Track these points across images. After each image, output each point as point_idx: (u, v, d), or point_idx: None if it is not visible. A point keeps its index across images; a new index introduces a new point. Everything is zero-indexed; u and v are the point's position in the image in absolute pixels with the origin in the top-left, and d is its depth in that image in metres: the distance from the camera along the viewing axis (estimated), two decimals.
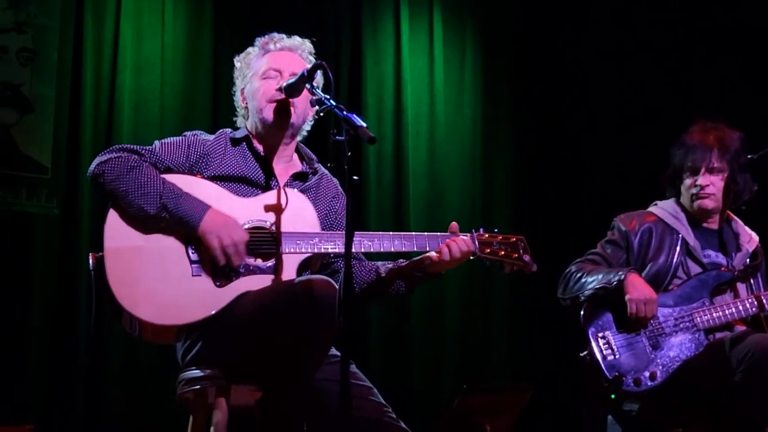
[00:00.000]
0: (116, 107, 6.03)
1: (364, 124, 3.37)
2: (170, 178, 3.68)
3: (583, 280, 4.68)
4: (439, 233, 3.83)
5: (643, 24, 7.29)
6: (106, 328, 5.58)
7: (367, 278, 3.95)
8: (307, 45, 4.02)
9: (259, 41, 4.02)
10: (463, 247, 3.79)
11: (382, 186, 6.85)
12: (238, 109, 4.06)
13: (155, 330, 3.57)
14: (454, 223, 3.85)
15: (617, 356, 4.49)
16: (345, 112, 3.43)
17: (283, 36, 4.00)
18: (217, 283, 3.58)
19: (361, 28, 6.93)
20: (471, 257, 3.85)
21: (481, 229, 3.90)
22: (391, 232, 3.82)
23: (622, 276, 4.54)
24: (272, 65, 3.89)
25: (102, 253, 3.56)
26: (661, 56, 7.22)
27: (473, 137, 7.22)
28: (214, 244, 3.55)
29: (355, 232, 3.65)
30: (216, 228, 3.57)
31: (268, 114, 3.85)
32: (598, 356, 4.49)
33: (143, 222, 3.59)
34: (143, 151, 3.72)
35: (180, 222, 3.58)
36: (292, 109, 3.84)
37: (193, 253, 3.60)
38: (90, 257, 3.64)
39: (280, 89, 3.79)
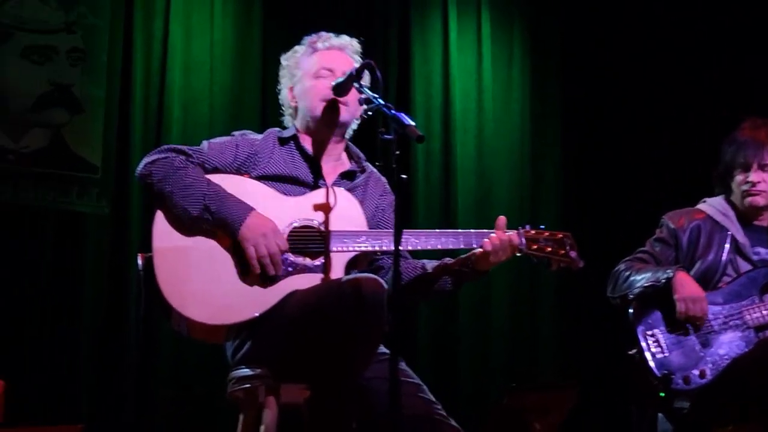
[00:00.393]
0: (165, 106, 6.06)
1: (413, 123, 3.36)
2: (217, 178, 3.71)
3: (632, 278, 4.66)
4: (486, 230, 3.82)
5: (695, 17, 7.21)
6: (155, 327, 5.60)
7: (413, 275, 3.95)
8: (354, 44, 4.02)
9: (307, 40, 4.03)
10: (507, 242, 3.78)
11: (430, 183, 6.85)
12: (285, 108, 4.07)
13: (205, 329, 3.59)
14: (501, 217, 3.84)
15: (666, 354, 4.46)
16: (393, 111, 3.43)
17: (331, 35, 4.00)
18: (265, 283, 3.60)
19: (409, 26, 6.92)
20: (518, 254, 3.83)
21: (528, 226, 3.89)
22: (437, 230, 3.82)
23: (671, 274, 4.52)
24: (324, 64, 3.90)
25: (151, 253, 3.59)
26: (713, 52, 7.14)
27: (521, 133, 7.19)
28: (250, 254, 3.57)
29: (403, 231, 3.65)
30: (254, 236, 3.58)
31: (321, 113, 3.86)
32: (648, 354, 4.47)
33: (187, 223, 3.62)
34: (191, 152, 3.75)
35: (222, 225, 3.61)
36: (344, 108, 3.86)
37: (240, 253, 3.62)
38: (139, 257, 3.67)
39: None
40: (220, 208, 3.60)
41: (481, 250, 3.78)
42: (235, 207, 3.62)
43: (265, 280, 3.60)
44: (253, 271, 3.58)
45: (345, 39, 4.02)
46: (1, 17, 5.78)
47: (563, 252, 3.85)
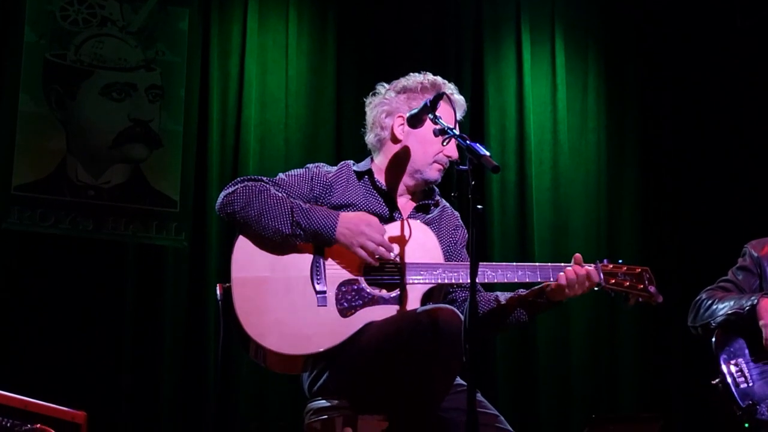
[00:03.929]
0: (242, 141, 6.13)
1: (488, 153, 3.36)
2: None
3: (714, 306, 4.59)
4: (563, 264, 3.79)
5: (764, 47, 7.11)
6: (234, 359, 5.64)
7: (487, 308, 3.92)
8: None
9: (432, 79, 3.95)
10: (585, 277, 3.75)
11: (505, 214, 6.81)
12: (373, 128, 3.98)
13: (282, 360, 3.60)
14: (577, 254, 3.81)
15: (750, 384, 4.39)
16: (468, 141, 3.43)
17: (453, 86, 3.96)
18: (342, 313, 3.60)
19: (482, 56, 6.91)
20: (595, 288, 3.80)
21: (606, 260, 3.85)
22: (514, 263, 3.80)
23: (755, 301, 4.44)
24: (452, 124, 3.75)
25: (229, 283, 3.62)
26: None
27: (598, 164, 7.11)
28: (361, 254, 3.62)
29: (479, 263, 3.63)
30: (354, 235, 3.62)
31: (435, 174, 3.90)
32: (731, 384, 4.39)
33: (279, 243, 3.64)
34: (266, 180, 3.78)
35: (315, 235, 3.63)
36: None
37: (318, 282, 3.63)
38: (218, 288, 3.70)
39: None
40: (309, 220, 3.62)
41: (556, 282, 3.76)
42: (323, 216, 3.64)
43: (351, 305, 3.61)
44: (372, 265, 3.64)
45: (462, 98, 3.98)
46: (81, 56, 5.91)
47: (642, 286, 3.80)
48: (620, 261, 3.87)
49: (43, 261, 5.72)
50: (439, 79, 3.96)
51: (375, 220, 3.68)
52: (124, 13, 6.04)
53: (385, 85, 4.03)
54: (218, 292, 3.69)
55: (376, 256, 3.63)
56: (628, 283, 3.80)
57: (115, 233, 5.82)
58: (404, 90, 3.95)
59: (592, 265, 3.81)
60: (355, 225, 3.64)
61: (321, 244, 3.65)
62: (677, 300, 6.05)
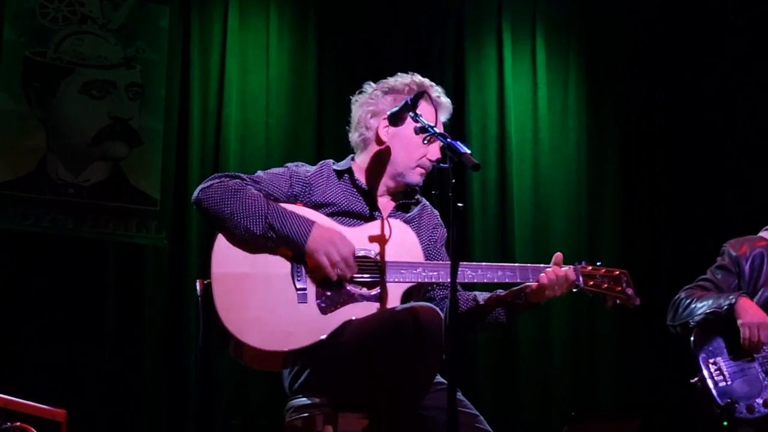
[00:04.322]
0: (222, 140, 6.12)
1: (469, 151, 3.36)
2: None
3: (692, 306, 4.61)
4: (543, 265, 3.81)
5: (757, 45, 7.13)
6: (215, 356, 5.64)
7: (465, 307, 3.93)
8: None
9: (418, 79, 3.94)
10: (564, 278, 3.77)
11: (486, 213, 6.82)
12: (357, 128, 3.98)
13: (262, 356, 3.59)
14: (558, 254, 3.83)
15: (729, 382, 4.41)
16: (449, 140, 3.44)
17: (440, 89, 3.97)
18: (323, 311, 3.60)
19: (464, 54, 6.91)
20: (574, 289, 3.83)
21: (584, 262, 3.89)
22: (494, 263, 3.82)
23: (733, 300, 4.46)
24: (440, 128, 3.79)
25: (209, 279, 3.61)
26: None
27: (578, 162, 7.12)
28: (324, 262, 3.57)
29: (460, 263, 3.64)
30: (323, 245, 3.59)
31: (417, 178, 3.90)
32: (710, 383, 4.42)
33: (250, 243, 3.63)
34: (245, 177, 3.77)
35: (286, 241, 3.61)
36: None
37: (298, 279, 3.63)
38: (197, 284, 3.70)
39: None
40: (283, 224, 3.61)
41: (536, 283, 3.77)
42: (297, 222, 3.63)
43: (332, 301, 3.60)
44: (330, 280, 3.59)
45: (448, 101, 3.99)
46: (61, 53, 5.89)
47: (620, 289, 3.85)
48: (599, 263, 3.91)
49: (22, 260, 5.70)
50: (426, 81, 3.95)
51: (348, 239, 3.65)
52: (104, 11, 6.02)
53: (372, 84, 4.02)
54: (198, 287, 3.68)
55: (336, 271, 3.59)
56: (606, 285, 3.85)
57: (95, 232, 5.80)
58: (391, 91, 3.95)
59: (571, 266, 3.83)
60: (328, 236, 3.62)
61: (291, 249, 3.63)
62: (657, 298, 6.07)
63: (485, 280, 3.78)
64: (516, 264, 3.84)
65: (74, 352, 5.61)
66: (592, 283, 3.83)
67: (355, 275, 3.65)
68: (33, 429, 3.94)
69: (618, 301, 3.85)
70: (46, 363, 5.52)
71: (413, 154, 3.87)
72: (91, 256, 5.80)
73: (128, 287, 5.82)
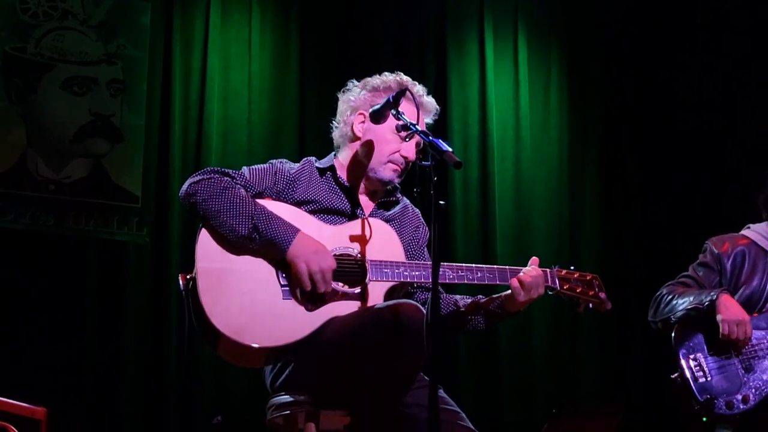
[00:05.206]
0: (204, 136, 6.10)
1: (450, 149, 3.37)
2: (260, 202, 3.72)
3: (674, 302, 4.64)
4: (520, 267, 3.86)
5: (739, 42, 7.15)
6: (197, 353, 5.62)
7: (446, 310, 3.96)
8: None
9: (399, 78, 3.95)
10: (540, 280, 3.80)
11: (468, 211, 6.82)
12: (339, 124, 4.01)
13: (244, 352, 3.57)
14: (534, 257, 3.88)
15: (709, 378, 4.44)
16: (431, 137, 3.44)
17: (422, 88, 3.97)
18: (306, 308, 3.60)
19: (445, 52, 6.92)
20: (550, 292, 3.88)
21: (557, 266, 3.94)
22: (474, 265, 3.83)
23: (714, 296, 4.49)
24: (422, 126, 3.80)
25: (192, 274, 3.60)
26: (759, 77, 7.06)
27: (560, 160, 7.14)
28: (302, 269, 3.56)
29: (441, 263, 3.65)
30: (305, 253, 3.58)
31: (388, 174, 3.88)
32: (690, 378, 4.44)
33: (234, 243, 3.62)
34: (234, 174, 3.77)
35: (270, 244, 3.60)
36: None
37: (283, 277, 3.63)
38: (180, 278, 3.68)
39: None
40: (268, 227, 3.60)
41: (509, 292, 3.80)
42: (283, 227, 3.62)
43: (314, 299, 3.60)
44: (304, 288, 3.58)
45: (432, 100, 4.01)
46: (42, 49, 5.86)
47: (592, 293, 3.92)
48: (572, 267, 3.97)
49: (2, 256, 5.67)
50: (409, 80, 3.96)
51: (331, 256, 3.64)
52: (86, 7, 5.99)
53: (356, 82, 4.04)
54: (180, 282, 3.66)
55: (311, 281, 3.57)
56: (580, 289, 3.92)
57: (76, 228, 5.78)
58: (372, 88, 3.96)
59: (546, 269, 3.88)
60: (311, 246, 3.61)
61: (274, 253, 3.62)
62: (638, 295, 6.09)
63: (465, 281, 3.80)
64: (495, 266, 3.86)
65: (54, 349, 5.58)
66: (567, 286, 3.90)
67: (339, 273, 3.64)
68: (13, 427, 3.92)
69: (591, 305, 3.92)
70: (25, 361, 5.49)
71: (384, 148, 3.87)
72: (72, 253, 5.77)
73: (109, 284, 5.79)
